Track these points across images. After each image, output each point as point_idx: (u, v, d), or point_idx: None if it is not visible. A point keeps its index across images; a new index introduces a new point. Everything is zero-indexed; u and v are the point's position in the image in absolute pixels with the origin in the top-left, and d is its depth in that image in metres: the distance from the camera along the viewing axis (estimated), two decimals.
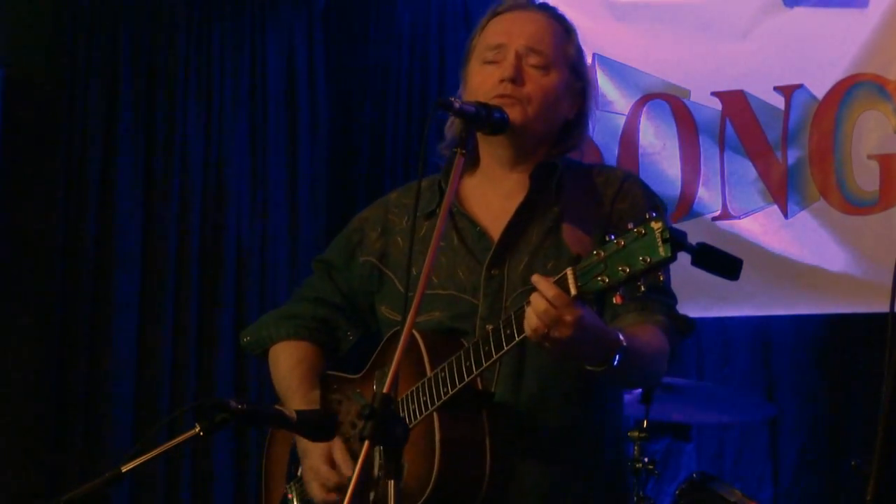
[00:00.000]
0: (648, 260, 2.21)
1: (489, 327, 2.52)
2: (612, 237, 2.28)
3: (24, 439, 5.27)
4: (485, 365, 2.48)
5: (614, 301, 2.32)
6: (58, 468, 5.22)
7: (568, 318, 2.33)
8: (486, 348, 2.47)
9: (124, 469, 2.42)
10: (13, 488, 5.20)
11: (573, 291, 2.32)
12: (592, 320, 2.39)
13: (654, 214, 2.24)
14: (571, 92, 2.76)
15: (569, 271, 2.34)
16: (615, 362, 2.42)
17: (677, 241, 2.20)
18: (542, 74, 2.71)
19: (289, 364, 2.92)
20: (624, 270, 2.24)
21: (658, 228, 2.21)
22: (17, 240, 5.37)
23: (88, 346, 5.29)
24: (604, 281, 2.28)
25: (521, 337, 2.42)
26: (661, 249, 2.20)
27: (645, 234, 2.22)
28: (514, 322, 2.43)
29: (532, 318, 2.35)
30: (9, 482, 5.20)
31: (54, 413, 5.26)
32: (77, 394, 5.26)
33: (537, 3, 2.87)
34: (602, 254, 2.28)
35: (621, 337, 2.44)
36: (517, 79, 2.68)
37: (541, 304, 2.34)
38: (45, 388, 5.26)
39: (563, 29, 2.79)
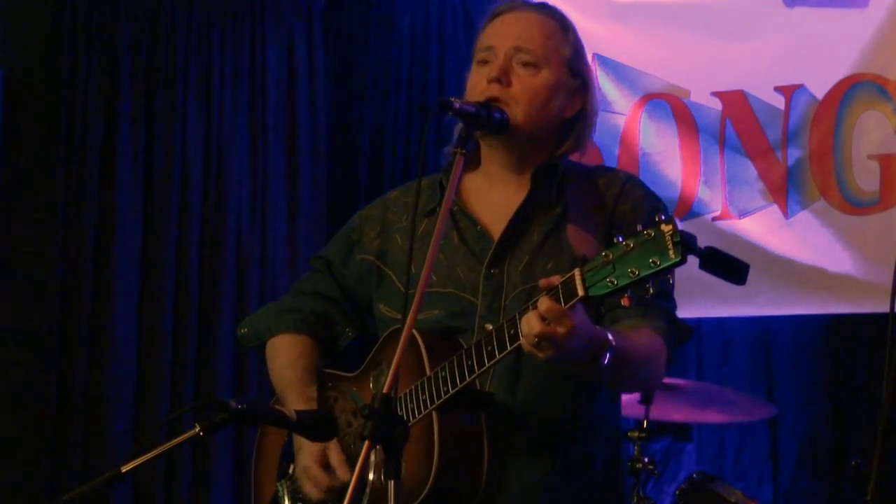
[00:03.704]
0: (658, 263, 2.18)
1: (489, 327, 2.51)
2: (621, 238, 2.24)
3: (23, 439, 5.27)
4: (487, 365, 2.46)
5: (622, 303, 2.29)
6: (58, 468, 5.22)
7: (561, 329, 2.31)
8: (489, 348, 2.45)
9: (124, 469, 2.41)
10: (13, 488, 5.20)
11: (580, 293, 2.28)
12: (583, 323, 2.36)
13: (663, 217, 2.20)
14: (567, 90, 2.73)
15: (576, 272, 2.30)
16: (605, 361, 2.40)
17: (688, 245, 2.17)
18: (530, 73, 2.69)
19: (288, 357, 2.89)
20: (633, 273, 2.21)
21: (668, 231, 2.18)
22: (16, 240, 5.37)
23: (88, 346, 5.29)
24: (612, 283, 2.24)
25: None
26: (671, 252, 2.17)
27: (654, 236, 2.19)
28: (518, 322, 2.40)
29: (532, 320, 2.33)
30: (9, 482, 5.20)
31: (54, 413, 5.26)
32: (77, 393, 5.26)
33: (534, 2, 2.85)
34: (610, 255, 2.24)
35: (611, 336, 2.41)
36: (503, 79, 2.67)
37: (535, 320, 2.31)
38: (45, 388, 5.26)
39: (558, 26, 2.76)
